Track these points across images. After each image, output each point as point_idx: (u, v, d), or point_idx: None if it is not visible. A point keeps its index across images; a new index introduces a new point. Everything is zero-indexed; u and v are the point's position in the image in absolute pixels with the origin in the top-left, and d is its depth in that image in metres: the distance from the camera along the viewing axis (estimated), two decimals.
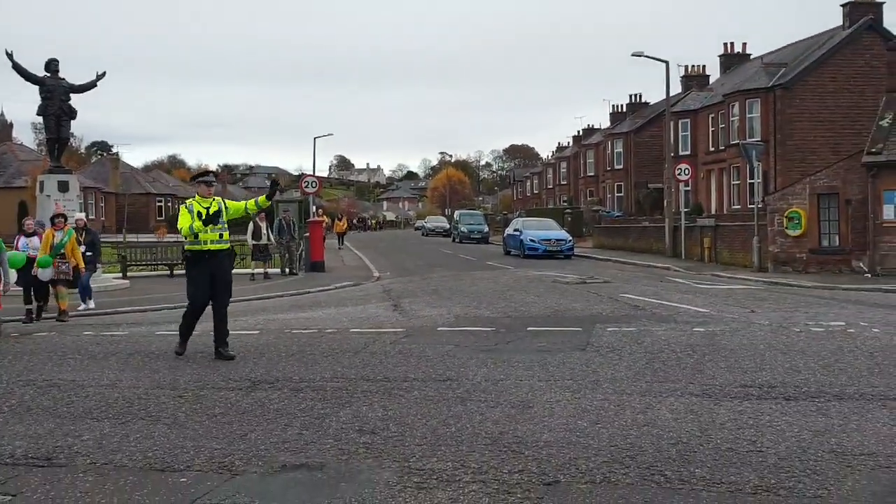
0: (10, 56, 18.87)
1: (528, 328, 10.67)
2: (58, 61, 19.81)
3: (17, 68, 19.12)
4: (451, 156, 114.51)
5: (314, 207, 29.75)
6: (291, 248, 23.60)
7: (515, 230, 31.86)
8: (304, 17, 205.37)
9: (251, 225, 21.66)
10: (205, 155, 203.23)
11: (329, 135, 57.96)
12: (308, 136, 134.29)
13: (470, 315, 12.36)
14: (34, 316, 13.19)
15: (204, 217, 8.58)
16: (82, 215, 16.40)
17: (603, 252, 33.05)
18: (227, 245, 8.91)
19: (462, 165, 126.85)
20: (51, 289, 13.30)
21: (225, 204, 8.91)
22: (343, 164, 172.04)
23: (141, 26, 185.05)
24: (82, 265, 13.63)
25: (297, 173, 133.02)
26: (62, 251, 13.15)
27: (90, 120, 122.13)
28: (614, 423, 5.84)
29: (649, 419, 5.93)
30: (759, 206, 23.01)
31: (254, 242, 21.50)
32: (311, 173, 42.87)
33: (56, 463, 5.20)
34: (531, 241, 29.58)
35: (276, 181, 9.31)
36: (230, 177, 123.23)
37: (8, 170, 57.91)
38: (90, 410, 6.60)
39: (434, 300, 14.78)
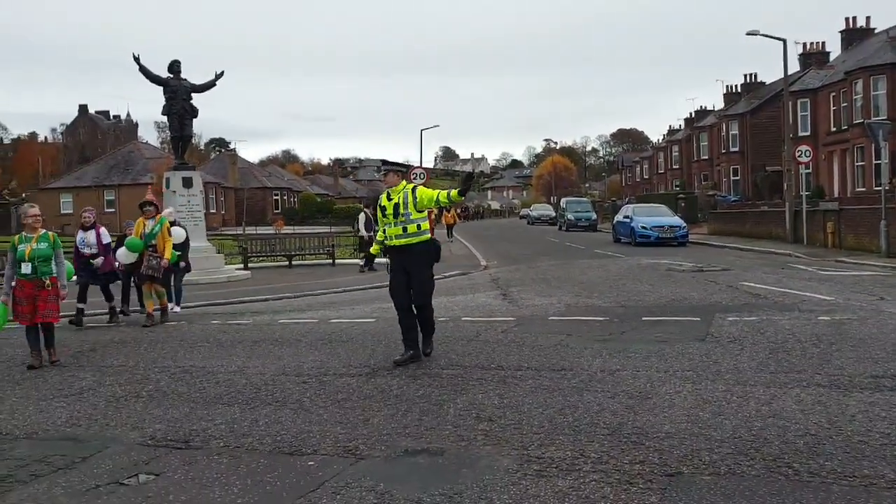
0: (136, 59, 19.93)
1: (643, 318, 10.50)
2: (180, 62, 20.83)
3: (143, 70, 20.19)
4: (555, 143, 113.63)
5: None
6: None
7: (625, 217, 31.26)
8: (409, 8, 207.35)
9: (362, 215, 21.94)
10: (316, 149, 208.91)
11: (435, 126, 58.35)
12: (414, 127, 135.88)
13: (581, 304, 12.26)
14: (117, 316, 12.39)
15: (385, 212, 7.99)
16: (170, 210, 14.56)
17: (719, 238, 32.03)
18: (418, 238, 7.95)
19: (567, 152, 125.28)
20: (143, 289, 11.90)
21: (414, 194, 7.93)
22: (448, 154, 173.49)
23: (251, 23, 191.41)
24: (168, 256, 11.84)
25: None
26: (153, 242, 11.75)
27: (208, 117, 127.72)
28: (737, 414, 5.69)
29: (774, 410, 5.76)
30: (887, 188, 21.74)
31: (367, 234, 21.17)
32: (419, 165, 43.34)
33: (193, 445, 5.53)
34: (642, 227, 28.93)
35: (472, 174, 8.44)
36: (341, 170, 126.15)
37: (135, 167, 61.46)
38: (221, 396, 6.96)
39: (543, 289, 14.72)
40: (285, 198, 79.34)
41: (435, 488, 4.46)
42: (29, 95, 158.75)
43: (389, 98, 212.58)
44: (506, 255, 26.31)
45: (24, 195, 72.49)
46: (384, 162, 8.37)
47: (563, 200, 54.19)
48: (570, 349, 8.42)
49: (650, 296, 12.97)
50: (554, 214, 57.56)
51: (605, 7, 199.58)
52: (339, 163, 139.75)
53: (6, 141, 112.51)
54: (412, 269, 7.97)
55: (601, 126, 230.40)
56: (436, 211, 40.94)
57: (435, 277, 8.46)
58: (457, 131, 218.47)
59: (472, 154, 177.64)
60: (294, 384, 7.24)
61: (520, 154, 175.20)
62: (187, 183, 20.66)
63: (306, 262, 25.26)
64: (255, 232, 47.94)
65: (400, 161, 8.88)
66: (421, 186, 8.10)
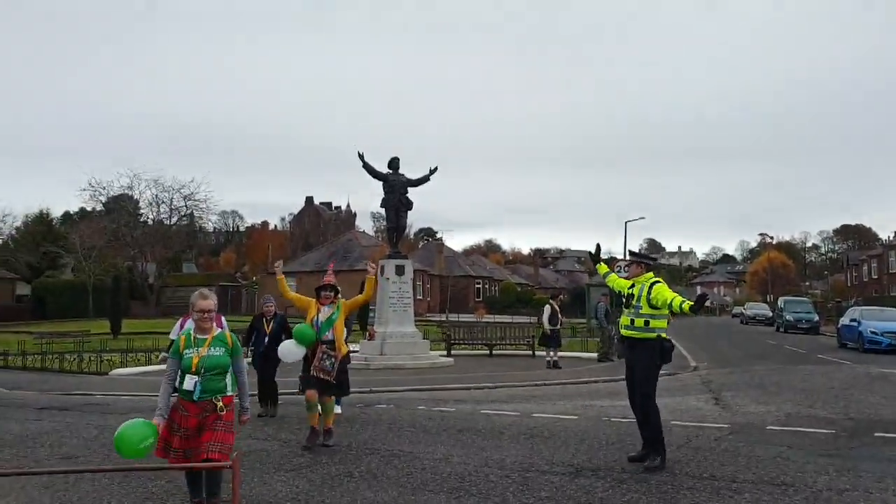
0: (360, 156, 21.46)
1: (876, 433, 9.52)
2: (398, 159, 22.23)
3: (367, 166, 21.68)
4: (771, 237, 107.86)
5: None
6: (604, 333, 23.59)
7: (852, 320, 28.81)
8: (617, 98, 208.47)
9: (548, 307, 21.02)
10: (517, 238, 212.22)
11: (641, 218, 57.01)
12: (617, 219, 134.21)
13: (803, 414, 11.35)
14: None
15: (624, 300, 8.13)
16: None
17: None
18: (643, 334, 7.81)
19: (785, 248, 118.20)
20: (307, 397, 8.79)
21: (651, 289, 7.80)
22: (653, 247, 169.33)
23: (458, 118, 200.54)
24: (344, 350, 9.03)
25: (605, 257, 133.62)
26: (328, 335, 8.87)
27: (418, 208, 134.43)
28: None
29: None
30: None
31: (550, 327, 20.53)
32: (623, 257, 42.74)
33: None
34: (872, 332, 26.49)
35: (705, 295, 8.00)
36: (541, 260, 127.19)
37: (353, 254, 65.57)
38: (426, 482, 7.10)
39: (760, 395, 13.80)
40: (486, 286, 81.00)
41: None
42: (263, 188, 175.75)
43: (595, 190, 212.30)
44: (718, 356, 25.02)
45: (254, 278, 79.46)
46: (631, 252, 8.71)
47: (780, 299, 50.96)
48: (791, 462, 7.80)
49: (884, 409, 11.77)
50: (770, 314, 54.29)
51: (823, 88, 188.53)
52: (539, 253, 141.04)
53: (241, 228, 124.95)
54: (635, 363, 7.92)
55: (823, 221, 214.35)
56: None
57: None
58: (663, 223, 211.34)
59: (679, 247, 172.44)
60: (497, 477, 7.25)
61: (731, 248, 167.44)
62: (400, 271, 21.69)
63: (506, 351, 25.44)
64: (457, 319, 49.09)
65: (649, 253, 8.92)
66: (661, 284, 7.88)
